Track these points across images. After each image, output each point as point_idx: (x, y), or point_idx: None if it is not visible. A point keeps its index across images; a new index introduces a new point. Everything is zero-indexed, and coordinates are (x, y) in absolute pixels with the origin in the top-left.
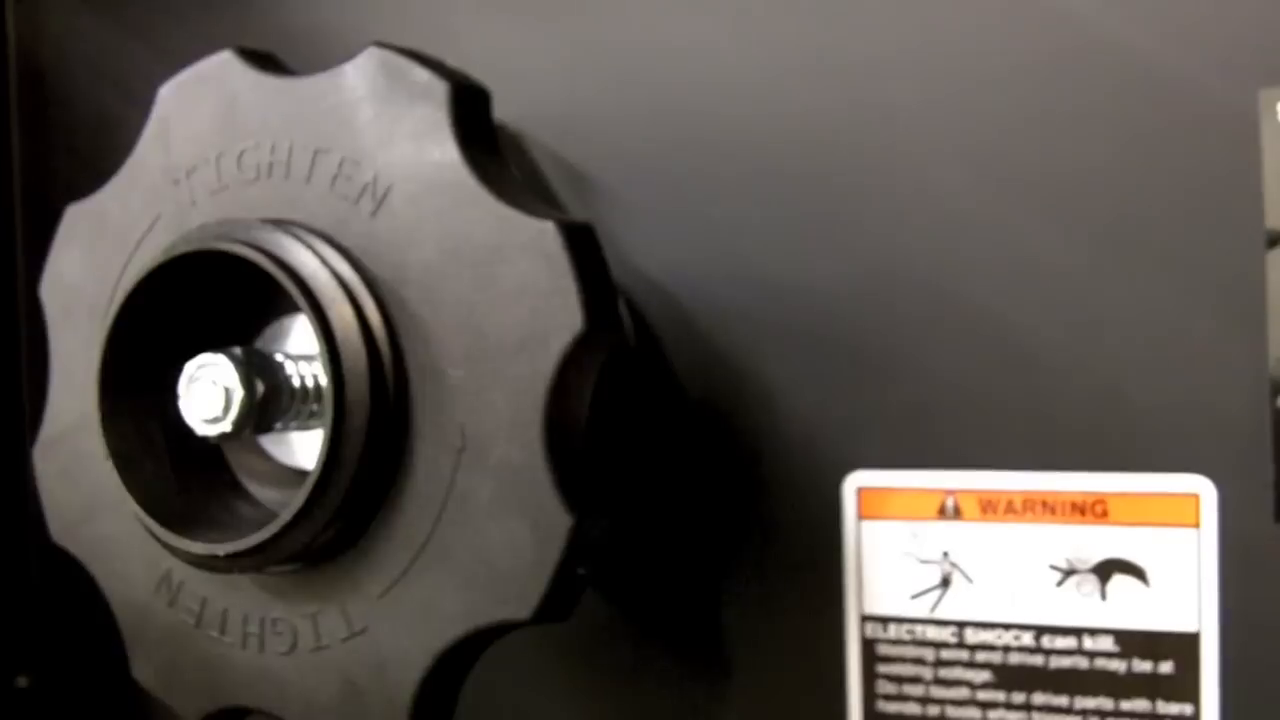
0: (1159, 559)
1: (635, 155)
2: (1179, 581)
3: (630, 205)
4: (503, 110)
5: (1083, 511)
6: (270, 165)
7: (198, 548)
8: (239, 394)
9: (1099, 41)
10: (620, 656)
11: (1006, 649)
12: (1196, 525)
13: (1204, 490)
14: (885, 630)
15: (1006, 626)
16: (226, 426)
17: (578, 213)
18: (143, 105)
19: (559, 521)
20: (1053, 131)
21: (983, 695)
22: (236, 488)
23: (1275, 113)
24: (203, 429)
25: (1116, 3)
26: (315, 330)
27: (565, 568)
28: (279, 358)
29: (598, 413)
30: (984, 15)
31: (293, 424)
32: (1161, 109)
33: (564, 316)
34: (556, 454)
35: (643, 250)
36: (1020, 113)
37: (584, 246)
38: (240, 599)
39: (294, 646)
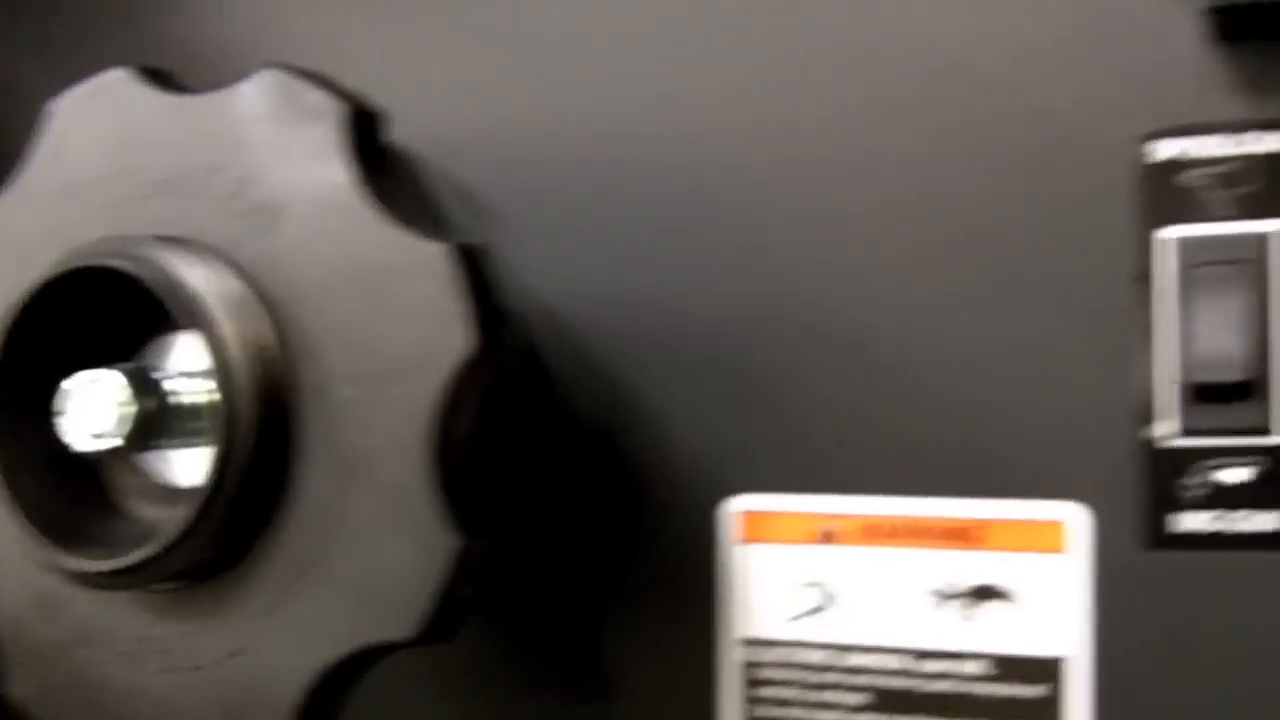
0: (1030, 584)
1: (527, 177)
2: (1049, 606)
3: (522, 227)
4: (397, 131)
5: (957, 537)
6: (164, 182)
7: (78, 564)
8: (126, 409)
9: (983, 74)
10: (499, 679)
11: (883, 672)
12: (1066, 551)
13: (1074, 517)
14: (763, 653)
15: (883, 650)
16: (113, 442)
17: (470, 234)
18: (34, 119)
19: (443, 542)
20: (936, 160)
21: (859, 718)
22: (116, 505)
23: (1142, 151)
24: (88, 444)
25: (1001, 36)
26: (204, 347)
27: (449, 589)
28: (166, 374)
29: (485, 434)
30: (873, 43)
31: (178, 441)
32: (1040, 143)
33: (453, 338)
34: (442, 475)
35: (533, 272)
36: (907, 140)
37: (475, 268)
38: (119, 617)
39: (173, 665)
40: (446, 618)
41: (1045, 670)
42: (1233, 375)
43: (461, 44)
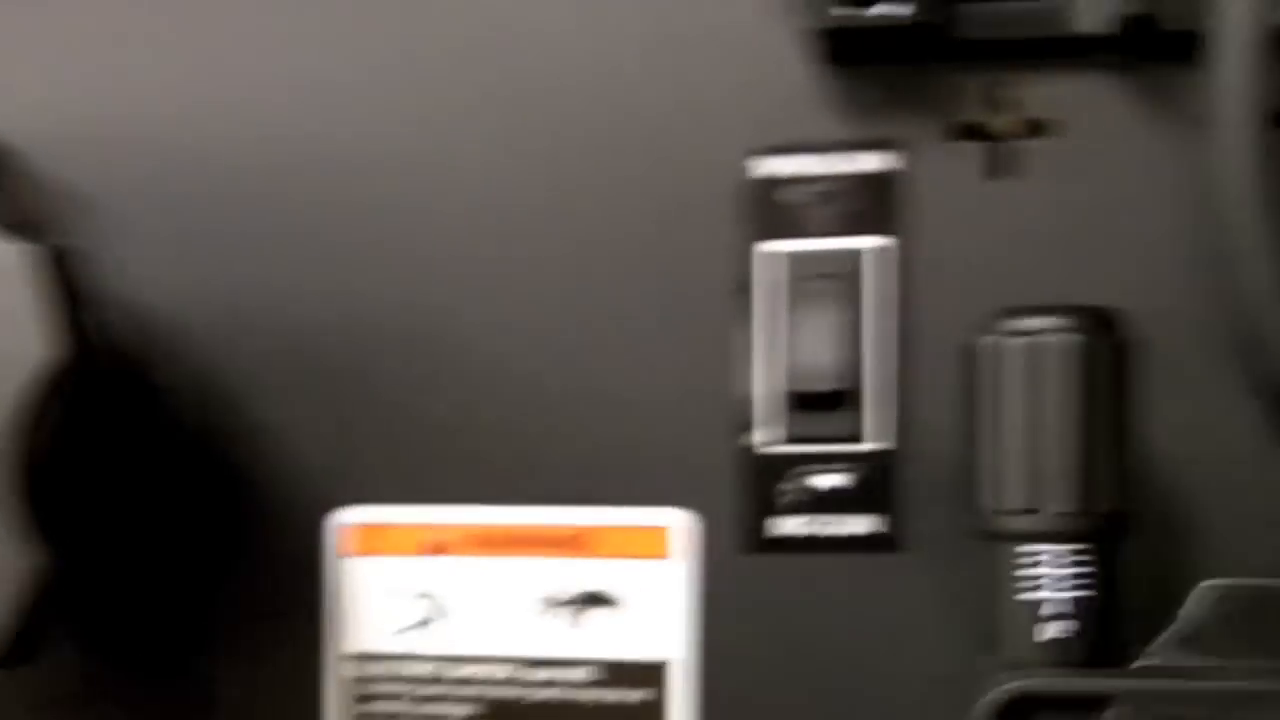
0: (636, 590)
1: (130, 176)
2: (654, 612)
3: (125, 228)
4: None
5: (566, 545)
6: None
7: None
8: None
9: (600, 84)
10: (95, 703)
11: (491, 682)
12: (671, 556)
13: (678, 522)
14: (372, 668)
15: (492, 659)
16: None
17: (67, 235)
18: None
19: (21, 559)
20: (549, 168)
21: None
22: None
23: (747, 167)
24: None
25: (619, 48)
26: None
27: (28, 608)
28: None
29: (72, 445)
30: (491, 48)
31: None
32: (651, 155)
33: (34, 344)
34: (21, 488)
35: (137, 275)
36: (521, 148)
37: (61, 271)
38: None
39: None
40: (27, 639)
41: (650, 674)
42: (827, 385)
43: (62, 35)
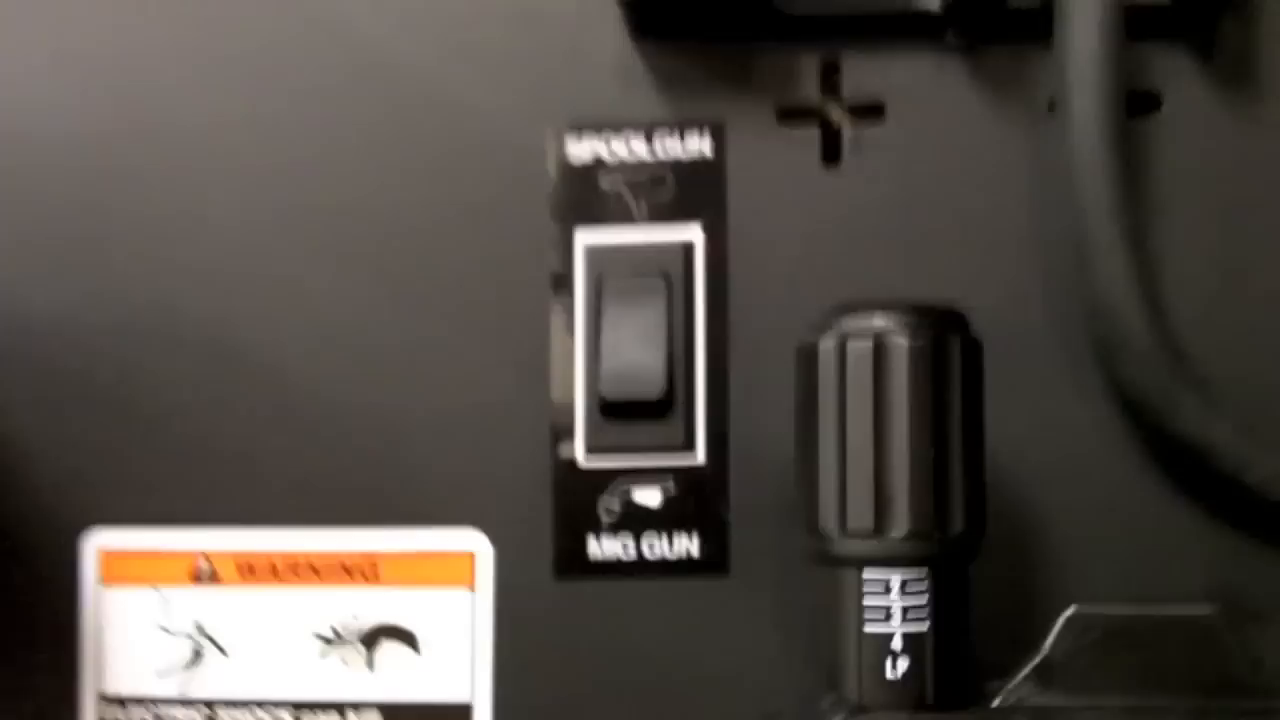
0: (432, 623)
1: None
2: (452, 647)
3: None
4: None
5: (351, 573)
6: None
7: None
8: None
9: (391, 73)
10: None
11: None
12: (472, 585)
13: (480, 547)
14: (125, 712)
15: (263, 704)
16: None
17: None
18: None
19: None
20: (338, 166)
21: None
22: None
23: (561, 151)
24: None
25: (410, 33)
26: None
27: None
28: None
29: None
30: (275, 40)
31: None
32: (460, 140)
33: None
34: None
35: None
36: (309, 144)
37: None
38: None
39: None
40: None
41: (447, 718)
42: (652, 391)
43: None
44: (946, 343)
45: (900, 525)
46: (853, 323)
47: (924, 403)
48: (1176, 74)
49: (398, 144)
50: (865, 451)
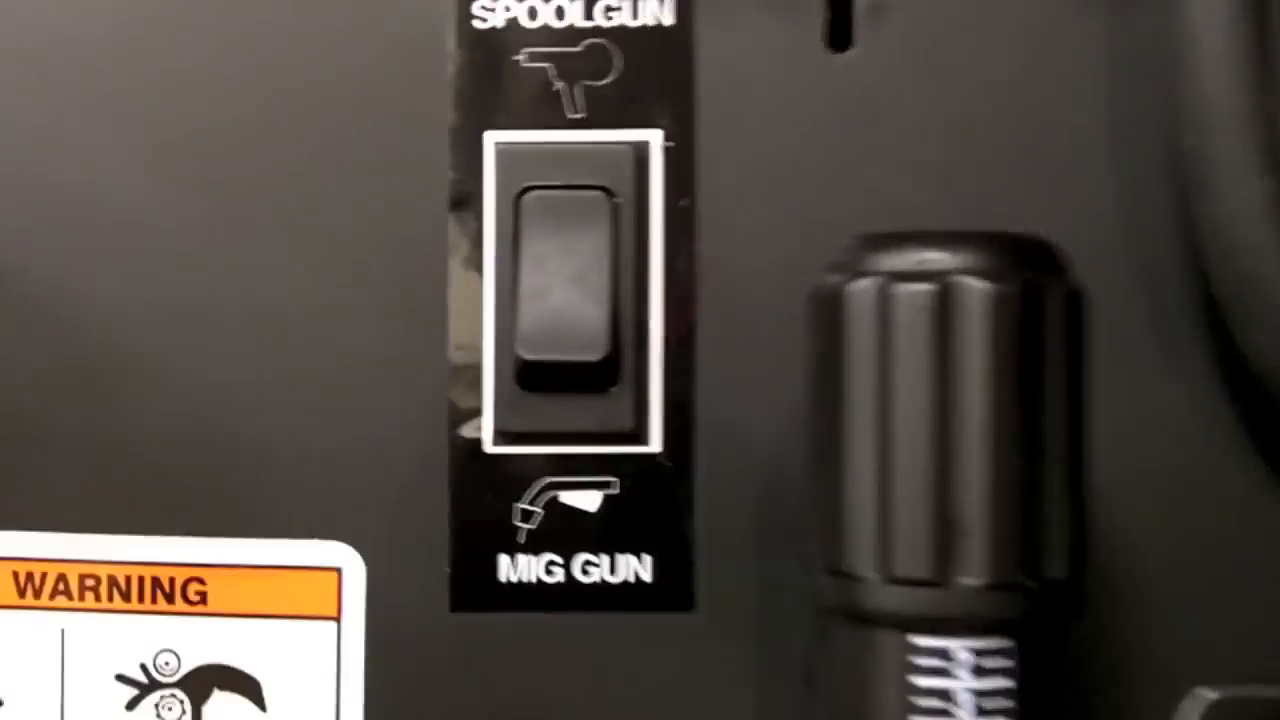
0: (282, 666)
1: None
2: (311, 699)
3: None
4: None
5: (171, 596)
6: None
7: None
8: None
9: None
10: None
11: None
12: (337, 615)
13: (349, 564)
14: None
15: None
16: None
17: None
18: None
19: None
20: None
21: None
22: None
23: (465, 16)
24: None
25: None
26: None
27: None
28: None
29: None
30: None
31: None
32: (317, 8)
33: None
34: None
35: None
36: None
37: None
38: None
39: None
40: None
41: None
42: (585, 352)
43: None
44: (1044, 289)
45: (975, 570)
46: (902, 258)
47: (1012, 380)
48: None
49: (244, 10)
50: (920, 454)
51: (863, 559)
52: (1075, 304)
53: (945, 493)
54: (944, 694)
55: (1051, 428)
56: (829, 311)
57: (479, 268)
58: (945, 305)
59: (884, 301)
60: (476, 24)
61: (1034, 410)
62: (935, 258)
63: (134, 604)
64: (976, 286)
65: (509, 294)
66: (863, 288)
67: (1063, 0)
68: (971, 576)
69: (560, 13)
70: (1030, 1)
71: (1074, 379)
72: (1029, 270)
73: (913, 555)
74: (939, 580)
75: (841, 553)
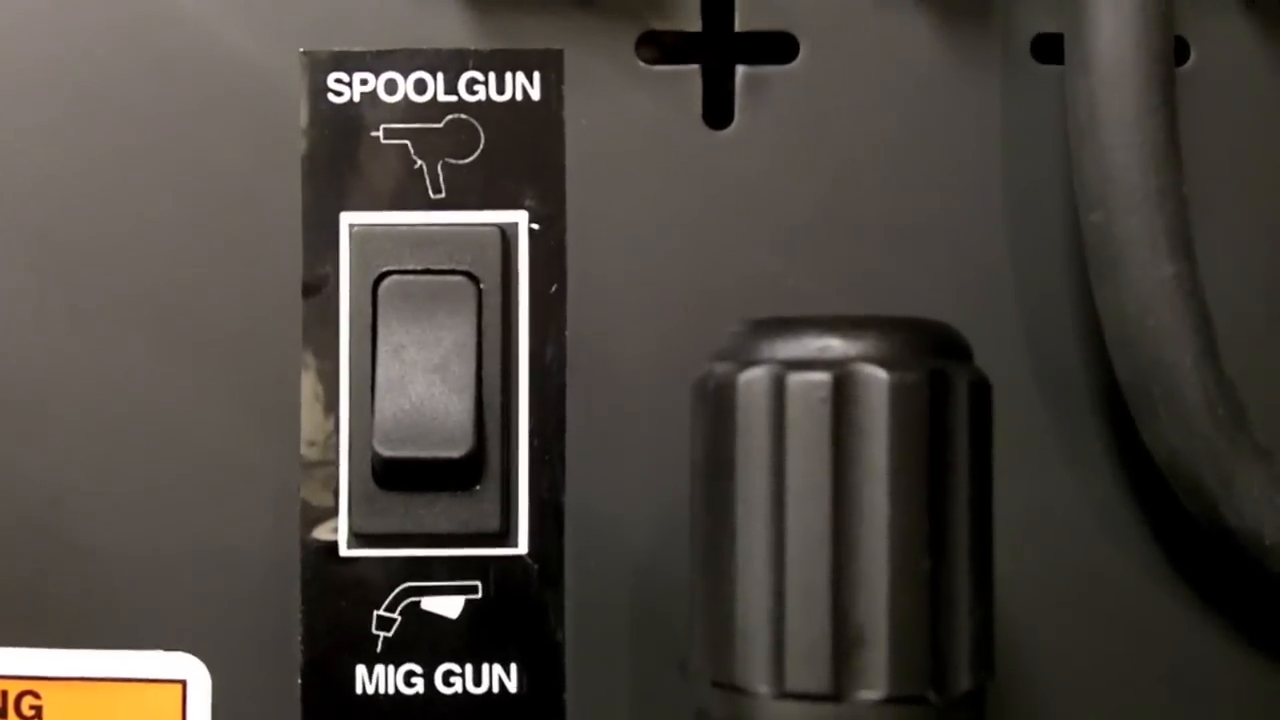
0: None
1: None
2: None
3: None
4: None
5: (5, 710)
6: None
7: None
8: None
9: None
10: None
11: None
12: None
13: (194, 677)
14: None
15: None
16: None
17: None
18: None
19: None
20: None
21: None
22: None
23: (319, 90)
24: None
25: None
26: None
27: None
28: None
29: None
30: None
31: None
32: (169, 79)
33: None
34: None
35: None
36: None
37: None
38: None
39: None
40: None
41: None
42: (448, 448)
43: None
44: (950, 378)
45: (875, 683)
46: (798, 345)
47: (917, 476)
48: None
49: (85, 77)
50: (817, 557)
51: (754, 671)
52: (981, 393)
53: (844, 599)
54: None
55: (957, 527)
56: (717, 403)
57: (334, 357)
58: (845, 396)
59: (778, 392)
60: (331, 98)
61: (940, 508)
62: (833, 344)
63: None
64: (879, 375)
65: (366, 386)
66: (755, 377)
67: (951, 74)
68: (872, 690)
69: (421, 86)
70: (917, 75)
71: (981, 474)
72: (933, 358)
73: (809, 667)
74: (836, 695)
75: (730, 664)
